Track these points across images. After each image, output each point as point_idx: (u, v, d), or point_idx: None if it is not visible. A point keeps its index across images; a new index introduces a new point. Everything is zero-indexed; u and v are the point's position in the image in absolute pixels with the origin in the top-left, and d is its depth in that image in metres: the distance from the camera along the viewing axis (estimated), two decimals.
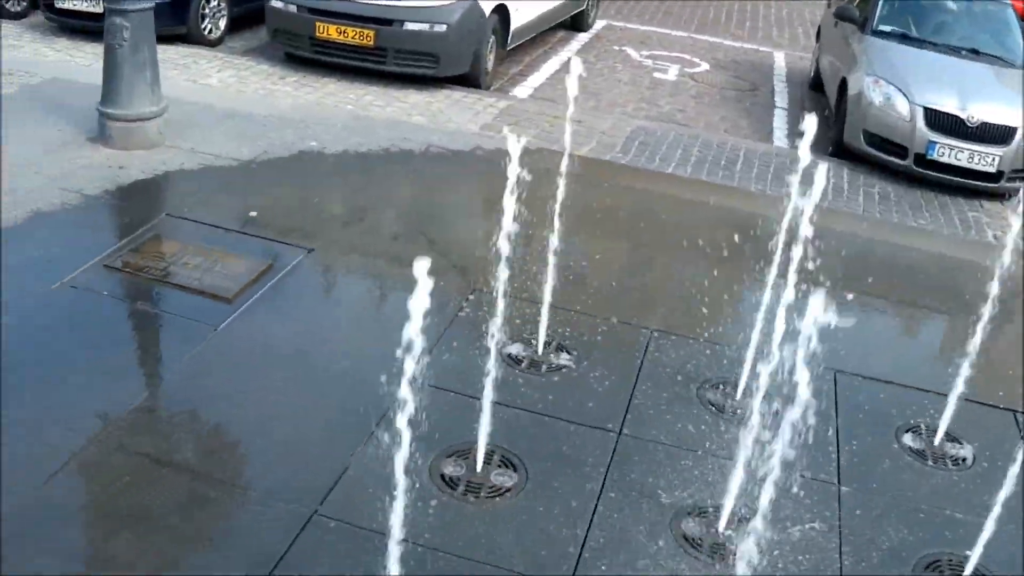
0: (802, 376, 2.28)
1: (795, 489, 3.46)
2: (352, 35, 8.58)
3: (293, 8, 8.83)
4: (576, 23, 12.04)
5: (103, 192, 5.64)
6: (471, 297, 4.87)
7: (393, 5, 8.44)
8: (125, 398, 3.77)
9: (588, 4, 12.00)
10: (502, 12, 9.04)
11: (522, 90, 9.39)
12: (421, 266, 2.26)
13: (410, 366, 2.31)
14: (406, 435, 2.41)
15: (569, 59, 10.14)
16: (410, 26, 8.39)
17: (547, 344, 4.47)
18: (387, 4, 8.44)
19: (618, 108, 9.28)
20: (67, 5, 9.11)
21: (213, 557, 3.08)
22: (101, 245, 4.97)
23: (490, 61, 9.04)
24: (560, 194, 4.15)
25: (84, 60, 8.42)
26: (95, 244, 4.97)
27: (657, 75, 10.73)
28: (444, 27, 8.36)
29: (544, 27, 10.67)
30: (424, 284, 2.26)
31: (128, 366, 4.08)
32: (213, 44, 10.11)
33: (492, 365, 3.42)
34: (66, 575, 2.93)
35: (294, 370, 4.12)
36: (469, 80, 8.86)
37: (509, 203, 3.27)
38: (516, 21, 9.37)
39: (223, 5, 10.29)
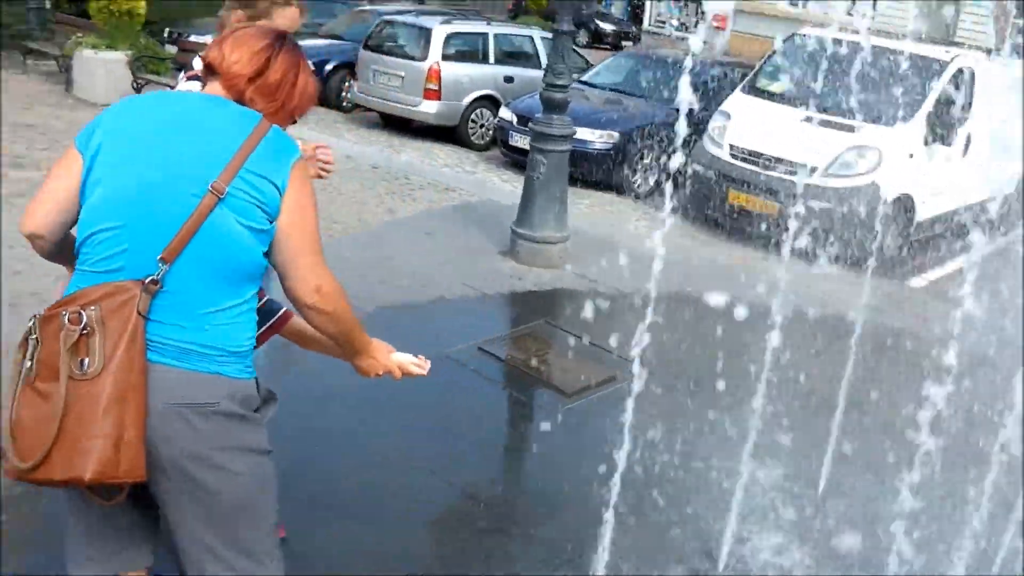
0: None
1: None
2: (758, 205, 9.24)
3: (711, 174, 9.66)
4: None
5: (498, 294, 6.65)
6: None
7: (799, 182, 8.99)
8: (460, 449, 4.57)
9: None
10: (908, 201, 9.27)
11: (918, 280, 9.48)
12: None
13: None
14: None
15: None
16: (812, 203, 8.88)
17: None
18: (793, 180, 9.01)
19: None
20: (518, 143, 10.62)
21: None
22: (482, 332, 5.90)
23: (891, 246, 9.26)
24: None
25: (518, 189, 9.78)
26: (478, 330, 5.92)
27: None
28: (843, 208, 8.76)
29: (962, 223, 10.65)
30: None
31: (470, 428, 4.89)
32: (642, 197, 11.22)
33: None
34: None
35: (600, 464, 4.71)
36: (864, 262, 9.12)
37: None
38: (923, 213, 9.54)
39: (654, 165, 11.41)
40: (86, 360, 2.08)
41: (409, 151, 12.19)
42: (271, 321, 2.71)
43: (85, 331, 2.09)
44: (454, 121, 13.25)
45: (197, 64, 2.93)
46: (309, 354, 2.87)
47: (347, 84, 14.81)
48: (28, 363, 2.13)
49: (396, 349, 2.85)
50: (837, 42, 10.80)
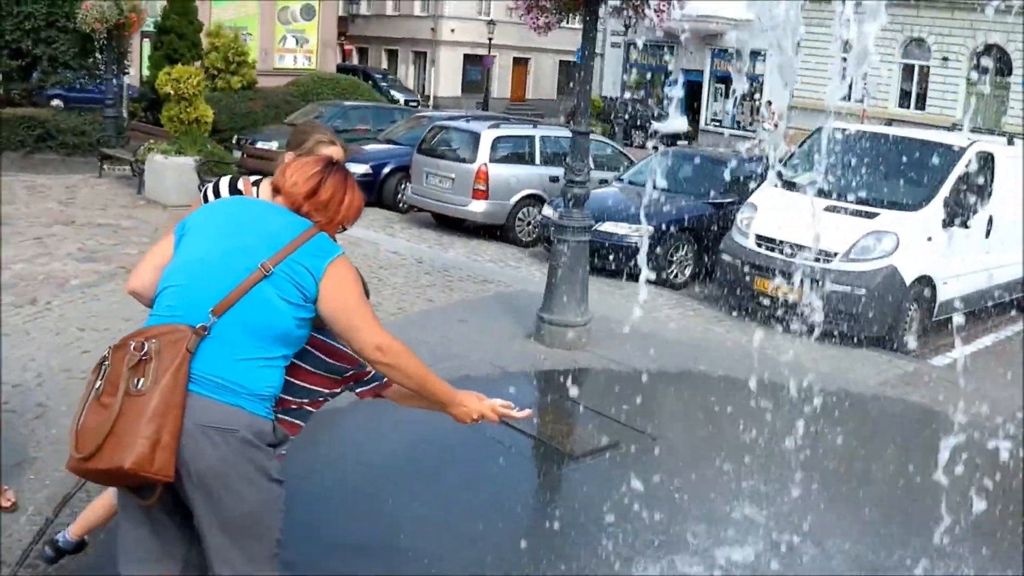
0: None
1: None
2: (782, 291, 9.62)
3: (738, 262, 10.11)
4: None
5: (521, 372, 7.15)
6: None
7: (821, 268, 9.39)
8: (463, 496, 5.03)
9: None
10: (928, 282, 9.59)
11: (941, 359, 9.73)
12: None
13: None
14: None
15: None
16: (833, 287, 9.25)
17: None
18: (814, 265, 9.41)
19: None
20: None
21: None
22: None
23: (912, 327, 9.57)
24: None
25: None
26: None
27: None
28: (863, 291, 9.13)
29: (986, 303, 10.87)
30: None
31: (477, 481, 5.35)
32: (677, 288, 11.68)
33: None
34: None
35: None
36: (887, 342, 9.45)
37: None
38: (945, 293, 9.83)
39: (690, 257, 11.89)
40: (141, 380, 2.67)
41: (457, 248, 12.84)
42: (376, 384, 3.35)
43: (145, 357, 2.69)
44: (501, 220, 13.91)
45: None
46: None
47: (403, 186, 15.57)
48: (99, 383, 2.74)
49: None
50: (861, 134, 11.32)
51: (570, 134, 15.60)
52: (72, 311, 7.75)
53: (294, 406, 3.17)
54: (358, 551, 4.48)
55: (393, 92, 40.03)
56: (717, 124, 35.97)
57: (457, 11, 47.50)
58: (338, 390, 3.33)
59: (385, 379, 3.31)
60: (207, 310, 2.77)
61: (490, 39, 42.32)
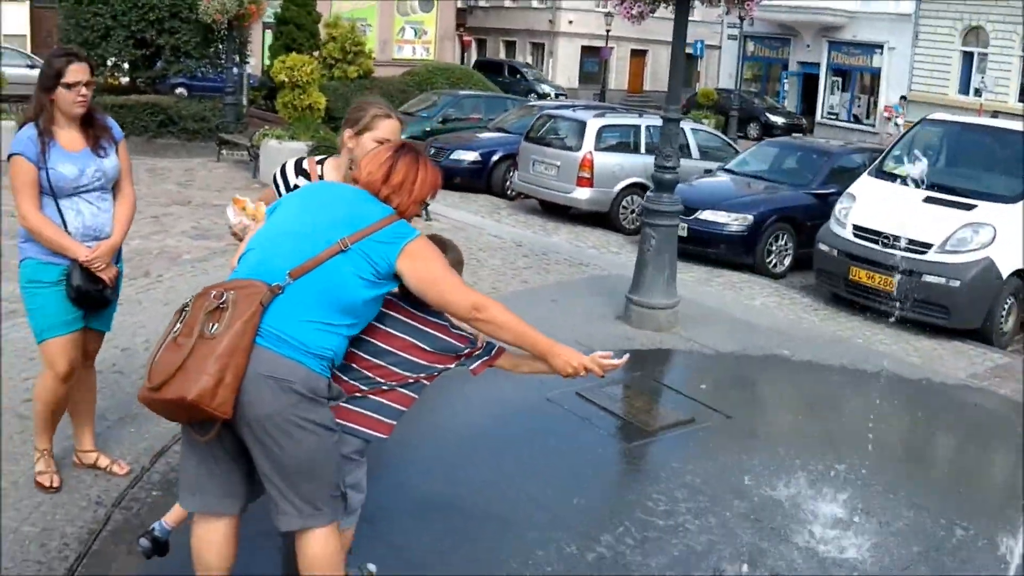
0: None
1: None
2: (878, 281, 9.66)
3: (835, 252, 10.16)
4: None
5: (604, 351, 7.38)
6: None
7: (916, 259, 9.38)
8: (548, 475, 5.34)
9: None
10: None
11: None
12: None
13: None
14: None
15: None
16: (927, 279, 9.25)
17: None
18: (911, 257, 9.41)
19: None
20: None
21: None
22: (583, 381, 6.64)
23: (1009, 321, 9.49)
24: None
25: None
26: (579, 380, 6.66)
27: None
28: (957, 283, 9.10)
29: None
30: None
31: (553, 450, 5.64)
32: (776, 277, 11.77)
33: None
34: None
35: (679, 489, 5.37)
36: (982, 335, 9.39)
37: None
38: None
39: (790, 245, 11.94)
40: (215, 325, 3.00)
41: (560, 234, 13.13)
42: (486, 358, 3.61)
43: (223, 305, 3.03)
44: (605, 207, 14.15)
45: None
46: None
47: (511, 173, 15.92)
48: (178, 326, 3.09)
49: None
50: (964, 126, 11.21)
51: (690, 127, 15.90)
52: (182, 283, 8.29)
53: (411, 380, 3.46)
54: (436, 508, 4.81)
55: (542, 86, 40.32)
56: (833, 117, 35.40)
57: (575, 3, 47.67)
58: (451, 365, 3.57)
59: (494, 351, 3.60)
60: (284, 272, 3.10)
61: (607, 31, 42.32)
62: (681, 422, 6.21)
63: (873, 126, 32.46)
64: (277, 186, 3.96)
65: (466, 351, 3.54)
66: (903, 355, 8.68)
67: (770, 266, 11.85)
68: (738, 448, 5.81)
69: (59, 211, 4.26)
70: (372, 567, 4.00)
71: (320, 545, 3.24)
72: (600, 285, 9.30)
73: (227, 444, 3.18)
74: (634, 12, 7.71)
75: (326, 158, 3.98)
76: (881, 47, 33.17)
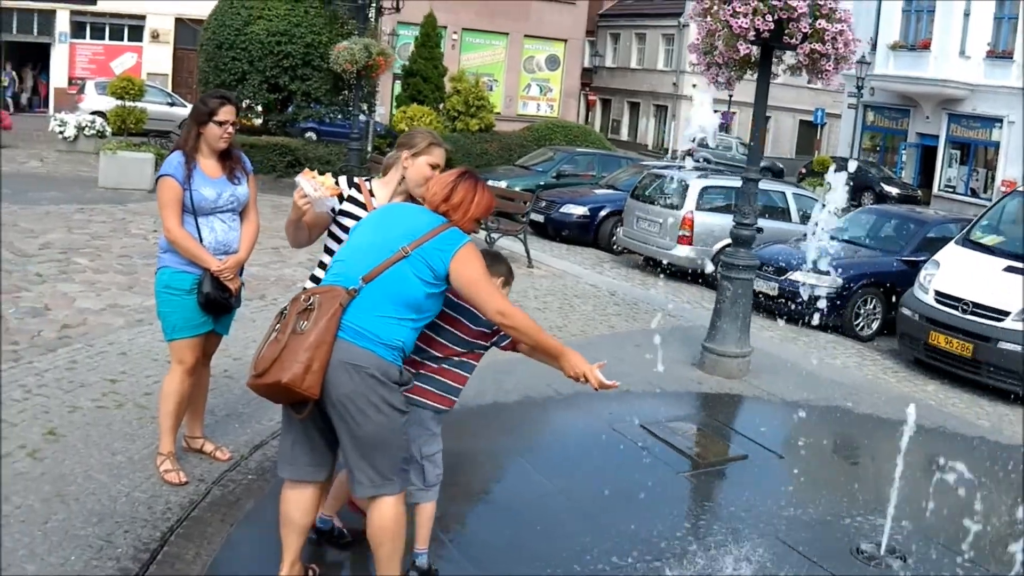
0: None
1: None
2: (956, 346, 9.97)
3: (916, 316, 10.51)
4: None
5: (675, 392, 7.96)
6: None
7: (994, 325, 9.68)
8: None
9: None
10: None
11: None
12: None
13: None
14: None
15: None
16: (1003, 345, 9.54)
17: None
18: (989, 324, 9.72)
19: None
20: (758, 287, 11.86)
21: None
22: (650, 416, 7.22)
23: None
24: None
25: None
26: (647, 413, 7.23)
27: None
28: None
29: None
30: None
31: (606, 472, 6.21)
32: (863, 340, 12.10)
33: None
34: None
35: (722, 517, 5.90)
36: None
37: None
38: None
39: (878, 309, 12.28)
40: (304, 323, 3.74)
41: (658, 288, 13.69)
42: (509, 338, 4.26)
43: (310, 306, 3.76)
44: (704, 266, 14.65)
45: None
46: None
47: (616, 228, 16.55)
48: (278, 324, 3.84)
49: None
50: None
51: (777, 188, 16.35)
52: None
53: (459, 356, 4.26)
54: (503, 516, 5.48)
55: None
56: (951, 190, 35.07)
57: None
58: (488, 344, 4.35)
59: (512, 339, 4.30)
60: (359, 278, 3.82)
61: (730, 96, 42.67)
62: (734, 458, 6.73)
63: (990, 200, 32.09)
64: (339, 183, 4.58)
65: (496, 329, 4.24)
66: (972, 418, 8.98)
67: (857, 329, 12.20)
68: (783, 484, 6.30)
69: (197, 227, 5.10)
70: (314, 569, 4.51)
71: (389, 510, 3.94)
72: (683, 334, 9.85)
73: (318, 423, 3.90)
74: (721, 79, 8.35)
75: (372, 178, 4.70)
76: (1001, 120, 32.86)
